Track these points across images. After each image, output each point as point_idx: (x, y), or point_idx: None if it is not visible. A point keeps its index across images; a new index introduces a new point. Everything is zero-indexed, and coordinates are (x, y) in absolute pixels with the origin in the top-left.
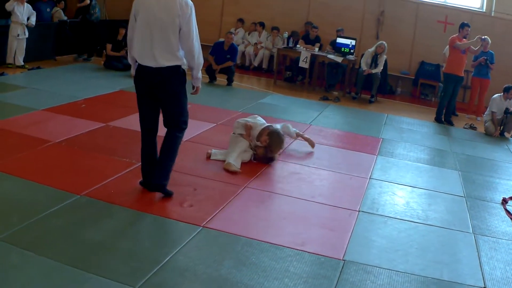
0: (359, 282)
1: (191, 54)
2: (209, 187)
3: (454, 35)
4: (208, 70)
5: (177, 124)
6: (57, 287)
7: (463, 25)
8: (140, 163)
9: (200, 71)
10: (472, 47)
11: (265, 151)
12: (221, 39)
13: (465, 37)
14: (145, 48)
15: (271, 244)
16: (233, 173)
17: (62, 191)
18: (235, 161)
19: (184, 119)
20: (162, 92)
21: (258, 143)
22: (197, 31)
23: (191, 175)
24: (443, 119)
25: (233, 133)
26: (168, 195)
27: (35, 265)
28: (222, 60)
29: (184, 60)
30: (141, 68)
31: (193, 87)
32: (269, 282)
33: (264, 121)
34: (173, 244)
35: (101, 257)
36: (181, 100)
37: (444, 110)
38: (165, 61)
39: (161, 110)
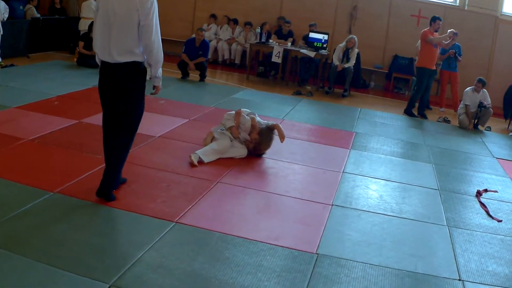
0: (332, 275)
1: (148, 49)
2: (182, 183)
3: (425, 29)
4: (181, 65)
5: (124, 126)
6: (31, 285)
7: (434, 19)
8: None
9: (161, 70)
10: (443, 41)
11: (254, 146)
12: (193, 36)
13: (436, 31)
14: (104, 44)
15: (245, 239)
16: (191, 164)
17: (35, 189)
18: (203, 155)
19: (135, 122)
20: (118, 89)
21: (248, 138)
22: (158, 26)
23: (163, 171)
24: (416, 113)
25: (221, 128)
26: (111, 200)
27: (9, 263)
28: (195, 56)
29: (145, 57)
30: (101, 64)
31: (153, 87)
32: (243, 276)
33: (258, 118)
34: (146, 240)
35: (75, 254)
36: (134, 98)
37: (417, 104)
38: (121, 57)
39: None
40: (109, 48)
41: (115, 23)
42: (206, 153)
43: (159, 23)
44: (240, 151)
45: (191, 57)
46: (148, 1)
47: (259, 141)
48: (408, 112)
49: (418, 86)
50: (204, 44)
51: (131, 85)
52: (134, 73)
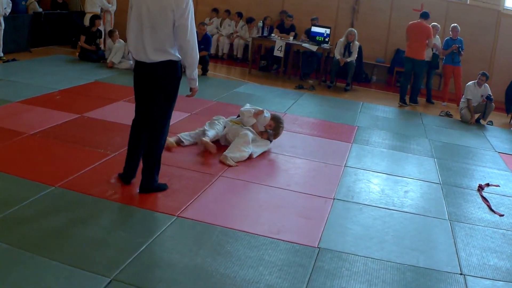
0: (334, 269)
1: (183, 51)
2: (183, 177)
3: (424, 22)
4: None
5: (157, 125)
6: (31, 279)
7: (429, 15)
8: (114, 154)
9: (196, 71)
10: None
11: (268, 135)
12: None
13: None
14: (138, 43)
15: (246, 233)
16: (229, 165)
17: (37, 183)
18: (233, 154)
19: (164, 121)
20: (154, 87)
21: (263, 129)
22: (194, 27)
23: (165, 165)
24: (408, 101)
25: (240, 125)
26: (162, 190)
27: (9, 256)
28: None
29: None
30: (137, 64)
31: (190, 89)
32: (244, 270)
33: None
34: (148, 234)
35: (76, 248)
36: (167, 98)
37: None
38: (156, 56)
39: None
40: (144, 48)
41: (149, 22)
42: (233, 152)
43: None
44: (267, 144)
45: None
46: (183, 1)
47: (275, 127)
48: (413, 100)
49: (420, 76)
50: (206, 38)
51: (167, 83)
52: (171, 71)
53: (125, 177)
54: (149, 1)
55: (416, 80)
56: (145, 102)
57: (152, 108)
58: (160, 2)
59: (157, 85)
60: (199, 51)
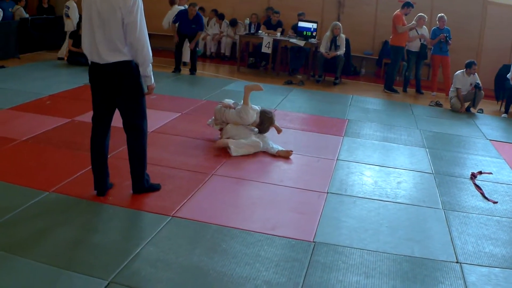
0: (330, 263)
1: (134, 48)
2: (176, 177)
3: (398, 11)
4: (176, 56)
5: (134, 126)
6: (29, 286)
7: (408, 4)
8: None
9: (150, 67)
10: (408, 30)
11: (260, 129)
12: (185, 6)
13: (406, 14)
14: (90, 44)
15: (241, 230)
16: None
17: (31, 189)
18: (236, 146)
19: (140, 120)
20: (114, 90)
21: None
22: (143, 24)
23: (158, 165)
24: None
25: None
26: (155, 190)
27: (6, 264)
28: (188, 30)
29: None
30: (91, 65)
31: (146, 87)
32: (241, 267)
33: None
34: (143, 235)
35: (72, 252)
36: (134, 98)
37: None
38: (110, 57)
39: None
40: (97, 49)
41: (100, 23)
42: (239, 146)
43: (146, 18)
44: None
45: (184, 29)
46: None
47: (262, 121)
48: (389, 88)
49: (394, 63)
50: (198, 18)
51: (125, 84)
52: (126, 72)
53: (100, 191)
54: (98, 2)
55: (390, 65)
56: (105, 105)
57: (126, 113)
58: (108, 2)
59: (117, 88)
60: (190, 31)
